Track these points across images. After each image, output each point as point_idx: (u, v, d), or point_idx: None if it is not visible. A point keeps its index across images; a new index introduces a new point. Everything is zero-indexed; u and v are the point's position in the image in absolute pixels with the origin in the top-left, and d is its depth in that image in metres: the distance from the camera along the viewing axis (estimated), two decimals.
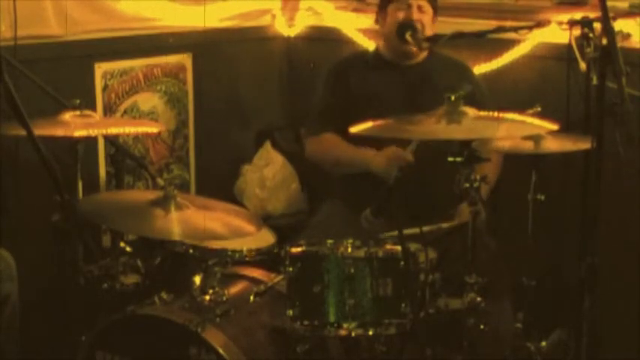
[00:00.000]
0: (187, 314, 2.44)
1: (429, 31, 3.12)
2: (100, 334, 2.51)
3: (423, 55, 3.24)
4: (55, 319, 2.89)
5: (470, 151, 2.41)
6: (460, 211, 2.92)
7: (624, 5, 3.15)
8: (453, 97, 2.45)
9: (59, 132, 2.60)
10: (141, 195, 2.74)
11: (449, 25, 3.21)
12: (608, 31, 2.06)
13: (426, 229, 2.52)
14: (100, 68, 3.53)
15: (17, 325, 2.83)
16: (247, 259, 2.71)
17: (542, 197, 2.76)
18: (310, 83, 3.51)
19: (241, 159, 4.08)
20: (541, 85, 3.39)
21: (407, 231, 2.44)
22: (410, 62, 3.24)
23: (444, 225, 2.77)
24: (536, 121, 2.53)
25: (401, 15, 3.13)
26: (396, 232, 2.42)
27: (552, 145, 2.70)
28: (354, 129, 2.54)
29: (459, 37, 2.92)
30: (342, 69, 3.30)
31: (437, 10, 3.21)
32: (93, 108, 3.27)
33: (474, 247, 2.45)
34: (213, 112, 3.99)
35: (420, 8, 3.14)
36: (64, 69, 3.31)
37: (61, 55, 3.33)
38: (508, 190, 3.07)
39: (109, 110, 3.57)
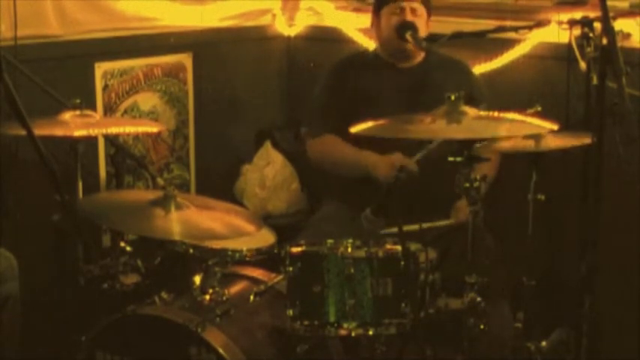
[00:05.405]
0: (187, 314, 2.44)
1: (423, 34, 3.10)
2: (100, 334, 2.51)
3: (421, 55, 3.24)
4: (55, 319, 2.89)
5: (470, 151, 2.41)
6: (456, 209, 2.92)
7: (624, 5, 3.15)
8: (453, 97, 2.45)
9: (59, 132, 2.60)
10: (141, 195, 2.74)
11: (449, 25, 3.21)
12: (608, 30, 2.06)
13: (425, 225, 2.53)
14: (100, 68, 3.53)
15: (19, 326, 2.83)
16: (247, 259, 2.70)
17: (542, 197, 2.76)
18: (310, 83, 3.50)
19: (241, 159, 4.08)
20: (541, 85, 3.39)
21: (406, 227, 2.44)
22: (408, 63, 3.24)
23: (441, 223, 2.76)
24: (537, 121, 2.53)
25: (394, 19, 3.12)
26: (394, 229, 2.42)
27: (553, 142, 2.70)
28: (355, 129, 2.54)
29: (458, 37, 2.92)
30: (342, 69, 3.29)
31: (431, 12, 3.19)
32: (93, 108, 3.26)
33: (473, 247, 2.45)
34: (213, 112, 3.99)
35: (413, 11, 3.12)
36: (64, 69, 3.31)
37: (61, 55, 3.33)
38: (508, 190, 3.07)
39: (109, 110, 3.57)
